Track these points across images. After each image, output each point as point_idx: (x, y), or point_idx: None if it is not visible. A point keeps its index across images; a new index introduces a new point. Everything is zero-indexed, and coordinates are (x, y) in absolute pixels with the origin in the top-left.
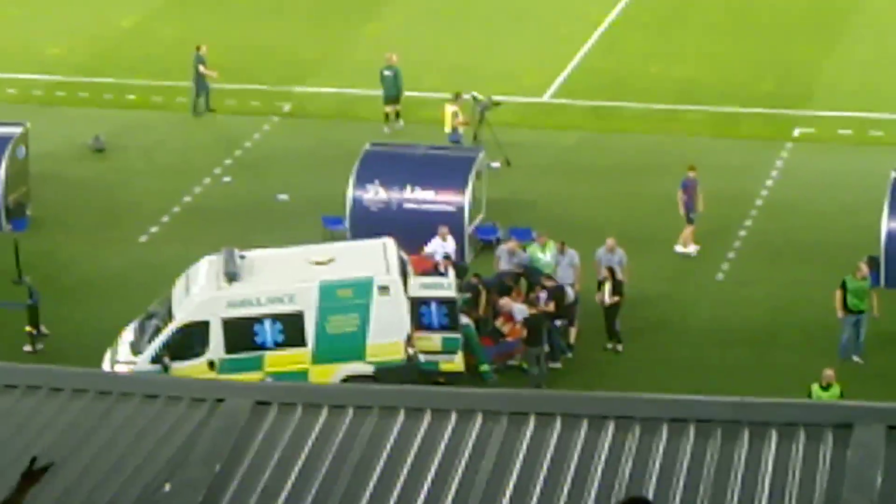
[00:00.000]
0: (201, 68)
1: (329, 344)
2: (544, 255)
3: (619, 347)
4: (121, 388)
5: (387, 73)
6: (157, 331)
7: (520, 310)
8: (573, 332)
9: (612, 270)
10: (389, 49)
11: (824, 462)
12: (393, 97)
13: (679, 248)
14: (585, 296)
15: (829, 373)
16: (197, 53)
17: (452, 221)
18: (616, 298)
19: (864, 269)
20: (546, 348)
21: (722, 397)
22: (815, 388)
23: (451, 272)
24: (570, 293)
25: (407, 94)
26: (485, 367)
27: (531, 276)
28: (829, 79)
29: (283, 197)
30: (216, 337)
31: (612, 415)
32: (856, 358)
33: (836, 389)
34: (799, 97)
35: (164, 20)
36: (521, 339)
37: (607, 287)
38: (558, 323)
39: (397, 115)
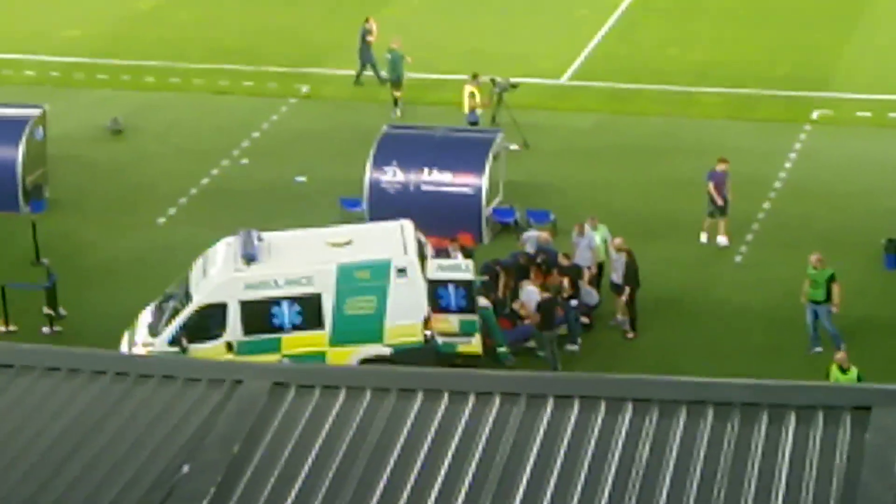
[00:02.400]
0: (369, 38)
1: (346, 326)
2: (616, 255)
3: (631, 335)
4: (139, 369)
5: (387, 56)
6: (175, 313)
7: (530, 292)
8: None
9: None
10: (405, 32)
11: (843, 444)
12: (394, 81)
13: (721, 240)
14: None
15: (840, 356)
16: (364, 26)
17: (470, 204)
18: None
19: (813, 258)
20: (564, 330)
21: (740, 380)
22: (834, 369)
23: (459, 254)
24: (594, 295)
25: (424, 76)
26: (503, 350)
27: (548, 256)
28: (848, 61)
29: (301, 179)
30: (234, 319)
31: (630, 397)
32: (817, 349)
33: (853, 372)
34: (817, 80)
35: (181, 2)
36: (535, 324)
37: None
38: (575, 303)
39: (396, 101)
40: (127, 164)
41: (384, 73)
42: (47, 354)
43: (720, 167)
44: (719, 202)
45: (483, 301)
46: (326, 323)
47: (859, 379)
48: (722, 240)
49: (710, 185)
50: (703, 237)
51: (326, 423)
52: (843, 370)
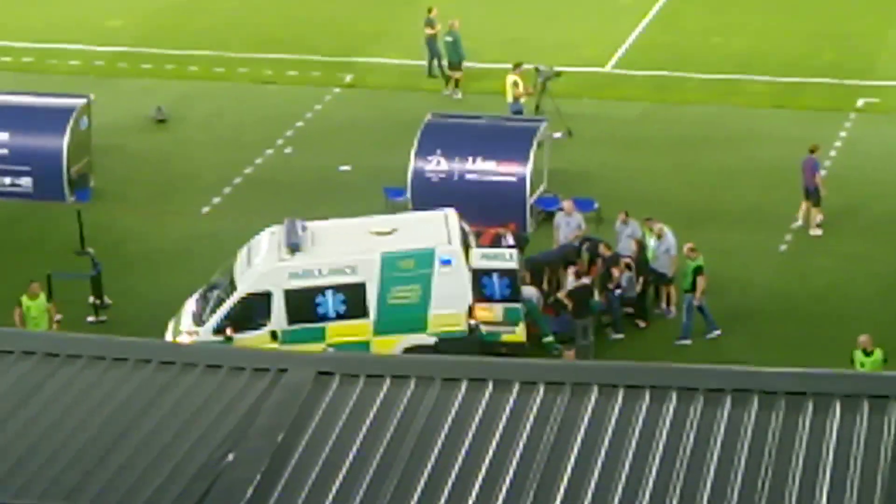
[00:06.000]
0: (428, 31)
1: (390, 315)
2: (650, 240)
3: (642, 324)
4: (184, 358)
5: (447, 38)
6: (220, 301)
7: (572, 281)
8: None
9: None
10: (450, 19)
11: (889, 433)
12: (454, 63)
13: (812, 231)
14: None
15: (863, 339)
16: (428, 17)
17: (514, 192)
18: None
19: (685, 248)
20: (607, 319)
21: (785, 369)
22: (858, 354)
23: (511, 241)
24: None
25: (468, 65)
26: (548, 339)
27: (592, 244)
28: (893, 49)
29: (345, 168)
30: (278, 308)
31: (674, 385)
32: (683, 341)
33: (878, 354)
34: (863, 67)
35: None
36: (568, 311)
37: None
38: (618, 293)
39: (457, 83)
40: (171, 153)
41: (441, 63)
42: (93, 343)
43: (814, 154)
44: (823, 191)
45: (530, 289)
46: (370, 312)
47: (885, 360)
48: (814, 230)
49: (817, 175)
50: (800, 221)
51: (370, 413)
52: (867, 353)
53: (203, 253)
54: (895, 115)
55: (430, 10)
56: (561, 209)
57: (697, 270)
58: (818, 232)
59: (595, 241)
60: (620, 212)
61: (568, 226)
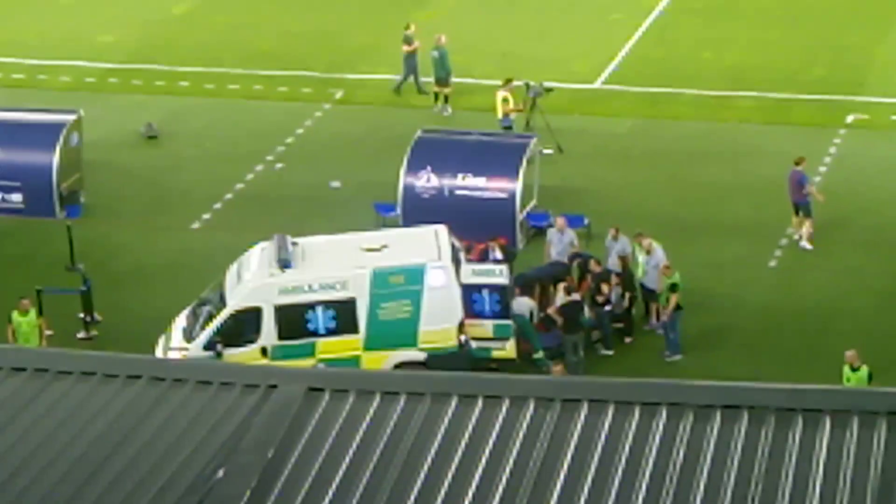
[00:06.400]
0: (405, 48)
1: (381, 330)
2: (640, 256)
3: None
4: (174, 374)
5: (434, 53)
6: (210, 317)
7: (562, 297)
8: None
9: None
10: (436, 34)
11: (878, 449)
12: (441, 79)
13: (801, 244)
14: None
15: (850, 354)
16: (405, 34)
17: (504, 208)
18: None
19: (661, 267)
20: (597, 335)
21: (775, 384)
22: (846, 369)
23: (499, 255)
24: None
25: (458, 80)
26: (539, 355)
27: (583, 260)
28: (883, 65)
29: (336, 184)
30: (268, 323)
31: (664, 401)
32: (675, 357)
33: (864, 370)
34: (852, 83)
35: (216, 7)
36: (558, 327)
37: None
38: (608, 309)
39: (446, 99)
40: (162, 169)
41: (418, 80)
42: (83, 359)
43: (800, 167)
44: (799, 201)
45: (522, 303)
46: (361, 327)
47: (870, 377)
48: (803, 244)
49: (808, 187)
50: (796, 235)
51: (361, 428)
52: (854, 368)
53: (193, 269)
54: (884, 130)
55: (407, 27)
56: (551, 225)
57: (673, 288)
58: (808, 246)
59: (586, 258)
60: (611, 227)
61: (560, 242)
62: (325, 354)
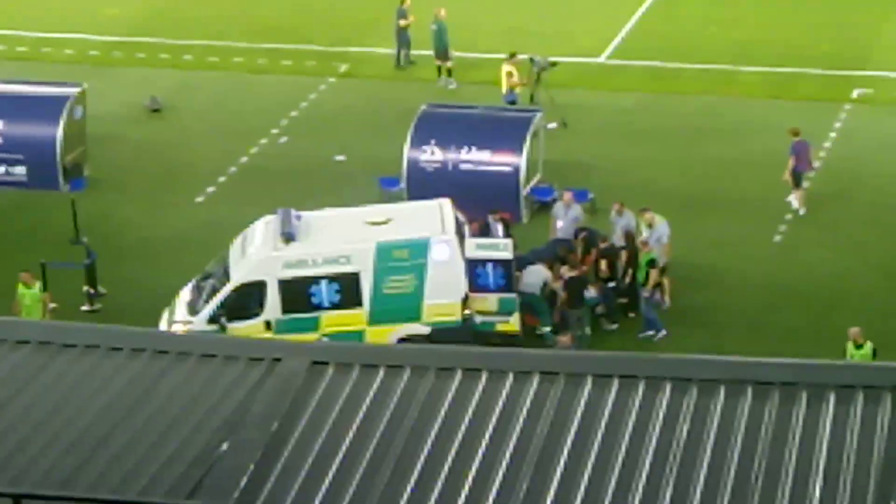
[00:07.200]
0: (401, 22)
1: (385, 305)
2: (646, 230)
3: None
4: (178, 347)
5: (432, 27)
6: (214, 291)
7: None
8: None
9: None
10: (436, 8)
11: (882, 424)
12: (440, 52)
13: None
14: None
15: (854, 331)
16: (400, 7)
17: (508, 182)
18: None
19: (638, 242)
20: (602, 309)
21: (779, 359)
22: (850, 346)
23: (500, 226)
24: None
25: (463, 55)
26: (546, 329)
27: (589, 234)
28: (889, 40)
29: (340, 158)
30: (273, 297)
31: (669, 376)
32: (661, 333)
33: (868, 347)
34: (857, 58)
35: None
36: (562, 302)
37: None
38: (612, 284)
39: (449, 73)
40: (166, 142)
41: (409, 53)
42: (87, 332)
43: (797, 137)
44: (787, 175)
45: (536, 272)
46: (365, 301)
47: (874, 353)
48: (800, 210)
49: (792, 159)
50: (794, 203)
51: (365, 402)
52: (858, 345)
53: (197, 242)
54: (890, 105)
55: (402, 1)
56: (556, 200)
57: (651, 263)
58: (802, 209)
59: (593, 232)
60: (615, 202)
61: (566, 217)
62: (329, 328)
